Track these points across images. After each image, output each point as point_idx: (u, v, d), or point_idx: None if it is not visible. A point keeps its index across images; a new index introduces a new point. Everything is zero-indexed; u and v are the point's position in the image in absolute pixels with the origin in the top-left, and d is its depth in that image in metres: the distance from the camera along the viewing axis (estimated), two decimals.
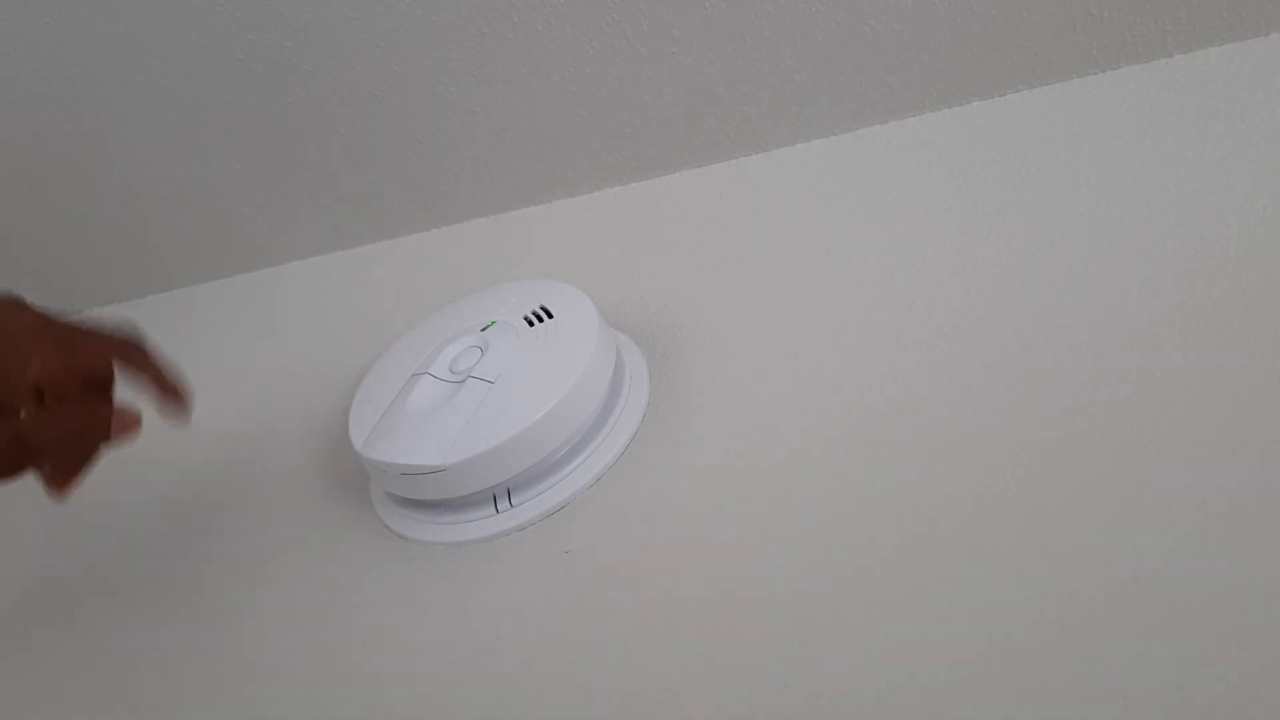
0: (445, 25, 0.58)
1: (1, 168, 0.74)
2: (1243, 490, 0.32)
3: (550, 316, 0.48)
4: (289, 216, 0.74)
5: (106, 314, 0.85)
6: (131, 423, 0.42)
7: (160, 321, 0.80)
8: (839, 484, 0.39)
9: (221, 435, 0.56)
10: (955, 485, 0.37)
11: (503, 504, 0.45)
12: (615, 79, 0.59)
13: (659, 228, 0.60)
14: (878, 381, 0.43)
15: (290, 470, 0.55)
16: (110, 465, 0.46)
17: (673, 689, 0.35)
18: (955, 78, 0.55)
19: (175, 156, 0.71)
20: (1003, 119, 0.54)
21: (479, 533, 0.44)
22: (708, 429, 0.45)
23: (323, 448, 0.55)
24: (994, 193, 0.49)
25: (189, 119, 0.68)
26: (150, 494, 0.57)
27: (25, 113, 0.69)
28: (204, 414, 0.53)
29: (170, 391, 0.44)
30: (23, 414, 0.39)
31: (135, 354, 0.44)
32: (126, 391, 0.43)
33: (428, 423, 0.45)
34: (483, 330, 0.49)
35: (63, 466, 0.41)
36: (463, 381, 0.46)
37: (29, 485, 0.42)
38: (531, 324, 0.48)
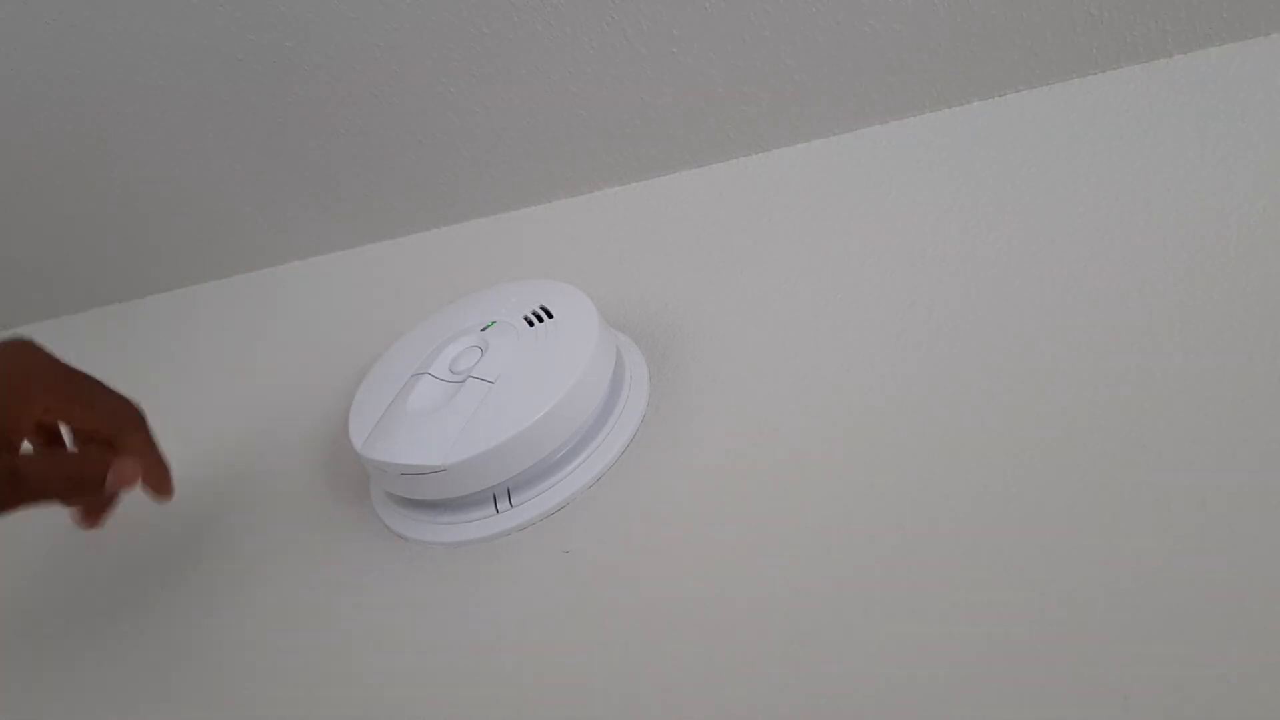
0: (445, 25, 0.58)
1: (1, 168, 0.74)
2: (1243, 490, 0.32)
3: (550, 316, 0.48)
4: (289, 216, 0.74)
5: (106, 314, 0.85)
6: (130, 475, 0.43)
7: (160, 321, 0.81)
8: (839, 484, 0.39)
9: (221, 435, 0.56)
10: (955, 485, 0.37)
11: (503, 504, 0.45)
12: (615, 79, 0.59)
13: (659, 228, 0.60)
14: (878, 381, 0.43)
15: (290, 470, 0.55)
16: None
17: (673, 689, 0.35)
18: (955, 78, 0.55)
19: (175, 156, 0.71)
20: (1003, 119, 0.54)
21: (479, 533, 0.44)
22: (708, 429, 0.45)
23: (323, 448, 0.56)
24: (994, 193, 0.49)
25: (189, 119, 0.68)
26: None
27: (25, 113, 0.69)
28: (204, 414, 0.54)
29: (154, 472, 0.46)
30: (22, 451, 0.40)
31: (133, 428, 0.45)
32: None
33: (428, 423, 0.45)
34: (483, 330, 0.49)
35: (66, 503, 0.42)
36: (463, 381, 0.46)
37: None
38: (531, 324, 0.48)
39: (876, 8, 0.52)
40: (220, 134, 0.68)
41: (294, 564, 0.48)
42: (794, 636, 0.35)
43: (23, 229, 0.80)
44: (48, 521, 0.57)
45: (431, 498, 0.45)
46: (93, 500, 0.44)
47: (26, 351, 0.42)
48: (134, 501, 0.49)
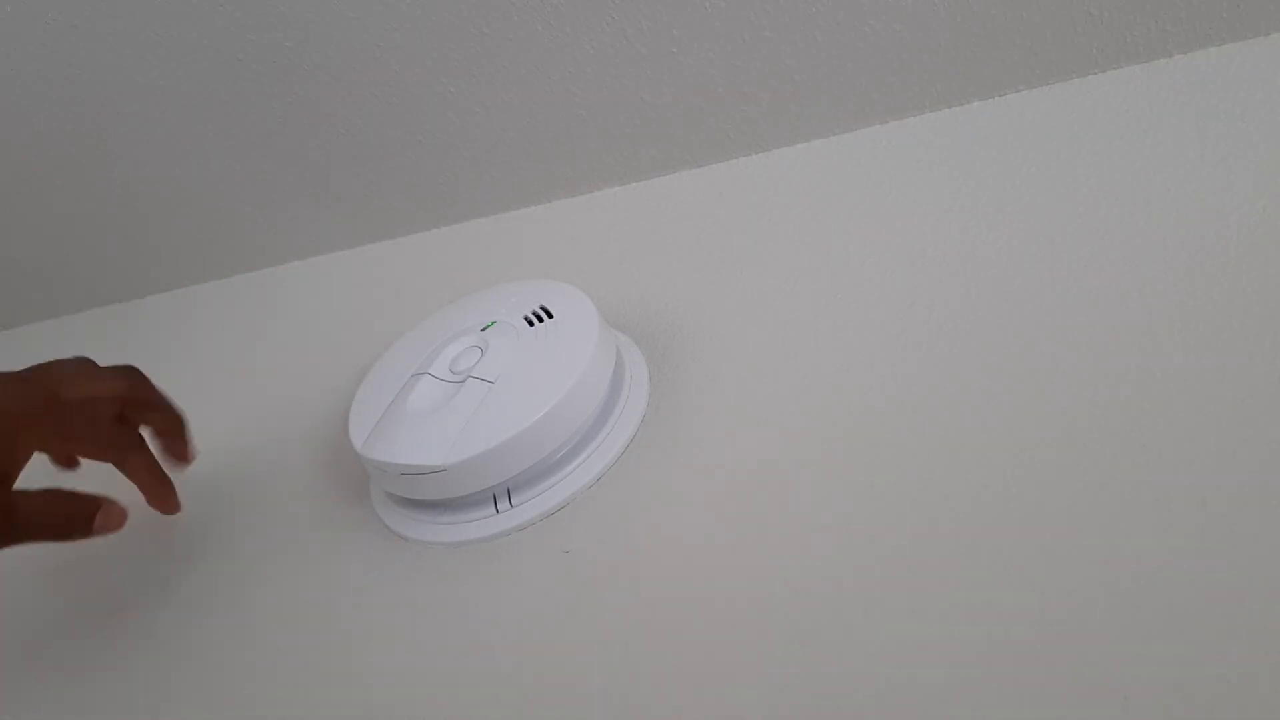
0: (445, 25, 0.58)
1: (1, 168, 0.74)
2: (1243, 490, 0.32)
3: (550, 316, 0.48)
4: (289, 216, 0.74)
5: (106, 314, 0.85)
6: (117, 520, 0.44)
7: (160, 321, 0.81)
8: (839, 484, 0.39)
9: (221, 435, 0.56)
10: (955, 485, 0.37)
11: (503, 504, 0.45)
12: (615, 79, 0.59)
13: (659, 228, 0.60)
14: (878, 381, 0.43)
15: (290, 470, 0.55)
16: (110, 465, 0.46)
17: (673, 689, 0.35)
18: (955, 78, 0.55)
19: (175, 156, 0.71)
20: (1003, 119, 0.54)
21: (479, 533, 0.44)
22: (708, 429, 0.45)
23: (323, 448, 0.56)
24: (994, 193, 0.49)
25: (189, 119, 0.68)
26: None
27: (25, 113, 0.69)
28: (204, 414, 0.54)
29: (159, 491, 0.48)
30: (14, 488, 0.41)
31: (132, 453, 0.47)
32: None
33: (428, 423, 0.45)
34: (483, 330, 0.49)
35: (55, 541, 0.42)
36: (463, 381, 0.46)
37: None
38: (531, 324, 0.48)
39: (876, 8, 0.52)
40: (220, 134, 0.68)
41: (294, 564, 0.48)
42: (794, 636, 0.35)
43: (23, 229, 0.80)
44: None
45: (431, 498, 0.45)
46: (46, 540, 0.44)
47: (21, 388, 0.43)
48: (134, 501, 0.49)
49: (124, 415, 0.48)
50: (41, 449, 0.43)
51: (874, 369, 0.43)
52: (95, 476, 0.46)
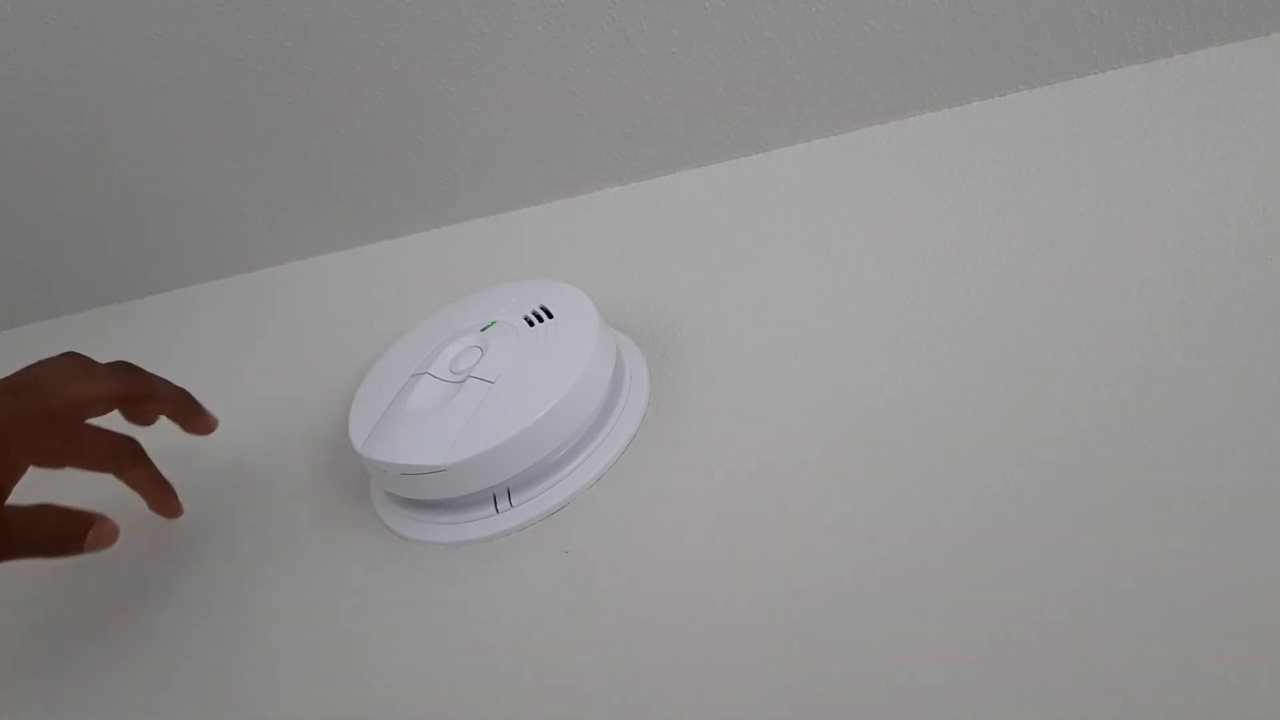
0: (445, 25, 0.58)
1: (1, 168, 0.74)
2: (1243, 490, 0.32)
3: (550, 316, 0.48)
4: (289, 216, 0.74)
5: (106, 314, 0.85)
6: (109, 536, 0.44)
7: (160, 321, 0.81)
8: (839, 484, 0.39)
9: (221, 435, 0.56)
10: (955, 485, 0.37)
11: (503, 504, 0.45)
12: (615, 79, 0.59)
13: (659, 228, 0.60)
14: (878, 381, 0.43)
15: (290, 470, 0.55)
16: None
17: (673, 689, 0.35)
18: (955, 78, 0.55)
19: (175, 156, 0.71)
20: (1003, 119, 0.54)
21: (479, 533, 0.44)
22: (708, 429, 0.45)
23: (323, 448, 0.56)
24: (994, 193, 0.49)
25: (189, 119, 0.68)
26: None
27: (25, 113, 0.69)
28: None
29: (159, 498, 0.48)
30: (7, 503, 0.41)
31: (130, 464, 0.47)
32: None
33: (428, 423, 0.45)
34: (483, 330, 0.49)
35: (37, 556, 0.42)
36: (463, 381, 0.46)
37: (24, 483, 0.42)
38: (531, 324, 0.48)
39: (876, 8, 0.52)
40: (220, 134, 0.68)
41: (294, 564, 0.48)
42: (794, 636, 0.35)
43: (23, 229, 0.80)
44: None
45: (431, 498, 0.45)
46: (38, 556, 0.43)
47: (12, 402, 0.42)
48: (134, 502, 0.49)
49: (130, 412, 0.48)
50: (36, 464, 0.43)
51: (874, 369, 0.43)
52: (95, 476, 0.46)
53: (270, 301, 0.75)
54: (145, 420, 0.49)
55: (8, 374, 0.45)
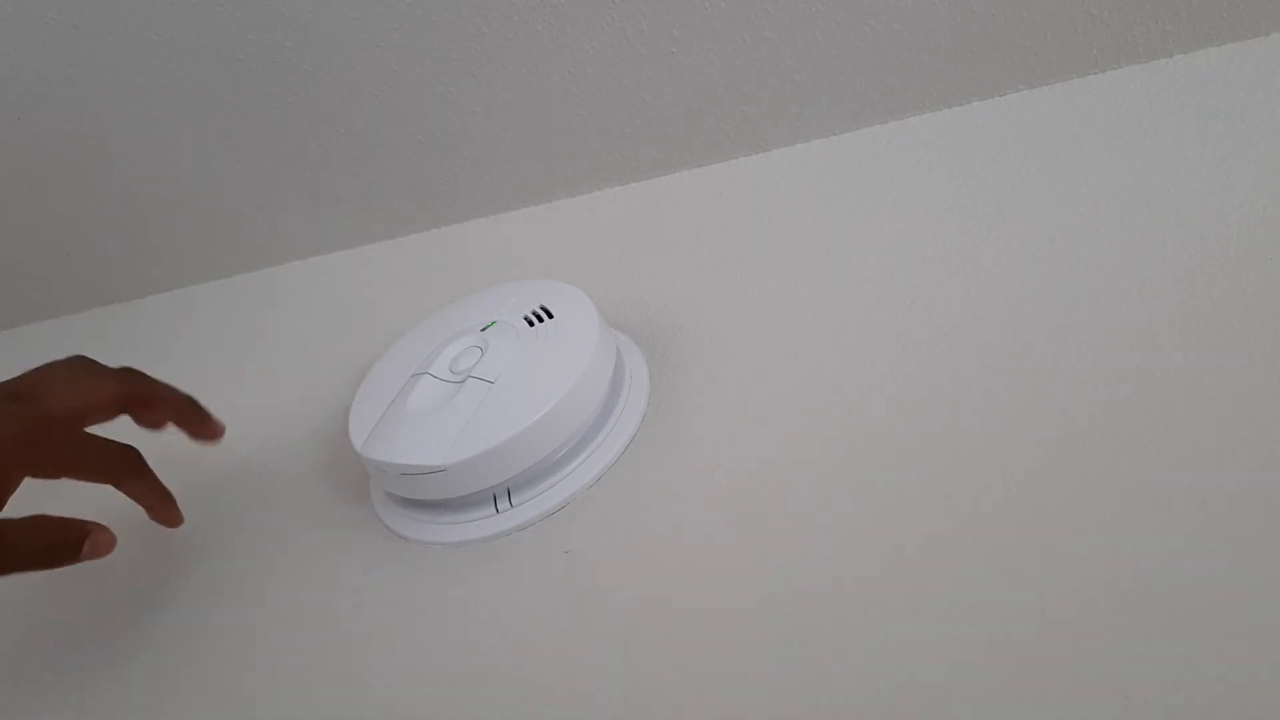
0: (445, 25, 0.58)
1: (1, 168, 0.74)
2: (1243, 490, 0.32)
3: (550, 316, 0.48)
4: (289, 216, 0.74)
5: (106, 314, 0.85)
6: (105, 546, 0.43)
7: (160, 321, 0.80)
8: (839, 484, 0.39)
9: None
10: (955, 485, 0.37)
11: (503, 504, 0.45)
12: (615, 79, 0.59)
13: (659, 228, 0.60)
14: (878, 381, 0.43)
15: (290, 470, 0.55)
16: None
17: (673, 689, 0.35)
18: (955, 78, 0.55)
19: (175, 156, 0.71)
20: (1003, 119, 0.54)
21: (479, 533, 0.44)
22: (708, 429, 0.45)
23: (323, 448, 0.56)
24: (994, 193, 0.49)
25: (189, 119, 0.68)
26: None
27: (25, 113, 0.69)
28: None
29: (160, 507, 0.48)
30: (0, 516, 0.40)
31: (130, 476, 0.46)
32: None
33: (428, 423, 0.45)
34: (483, 330, 0.49)
35: (33, 569, 0.42)
36: (463, 381, 0.46)
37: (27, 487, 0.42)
38: (531, 324, 0.48)
39: (876, 8, 0.52)
40: (220, 134, 0.68)
41: (294, 564, 0.48)
42: (794, 636, 0.35)
43: (23, 229, 0.80)
44: None
45: (431, 498, 0.45)
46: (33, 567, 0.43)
47: (9, 412, 0.42)
48: (133, 504, 0.49)
49: (139, 417, 0.47)
50: (33, 475, 0.42)
51: (874, 369, 0.43)
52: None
53: (270, 301, 0.75)
54: (156, 425, 0.48)
55: (7, 375, 0.44)
